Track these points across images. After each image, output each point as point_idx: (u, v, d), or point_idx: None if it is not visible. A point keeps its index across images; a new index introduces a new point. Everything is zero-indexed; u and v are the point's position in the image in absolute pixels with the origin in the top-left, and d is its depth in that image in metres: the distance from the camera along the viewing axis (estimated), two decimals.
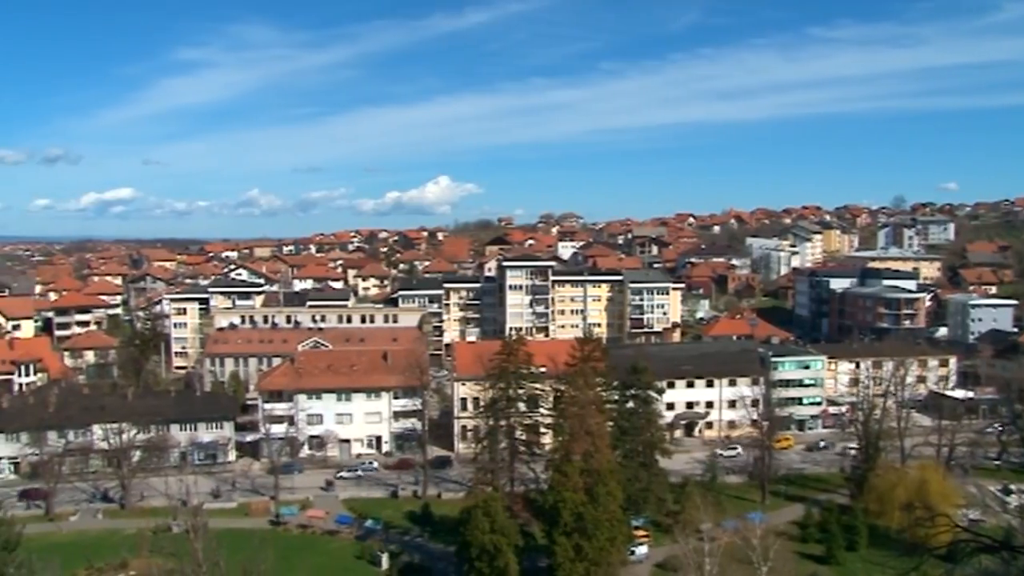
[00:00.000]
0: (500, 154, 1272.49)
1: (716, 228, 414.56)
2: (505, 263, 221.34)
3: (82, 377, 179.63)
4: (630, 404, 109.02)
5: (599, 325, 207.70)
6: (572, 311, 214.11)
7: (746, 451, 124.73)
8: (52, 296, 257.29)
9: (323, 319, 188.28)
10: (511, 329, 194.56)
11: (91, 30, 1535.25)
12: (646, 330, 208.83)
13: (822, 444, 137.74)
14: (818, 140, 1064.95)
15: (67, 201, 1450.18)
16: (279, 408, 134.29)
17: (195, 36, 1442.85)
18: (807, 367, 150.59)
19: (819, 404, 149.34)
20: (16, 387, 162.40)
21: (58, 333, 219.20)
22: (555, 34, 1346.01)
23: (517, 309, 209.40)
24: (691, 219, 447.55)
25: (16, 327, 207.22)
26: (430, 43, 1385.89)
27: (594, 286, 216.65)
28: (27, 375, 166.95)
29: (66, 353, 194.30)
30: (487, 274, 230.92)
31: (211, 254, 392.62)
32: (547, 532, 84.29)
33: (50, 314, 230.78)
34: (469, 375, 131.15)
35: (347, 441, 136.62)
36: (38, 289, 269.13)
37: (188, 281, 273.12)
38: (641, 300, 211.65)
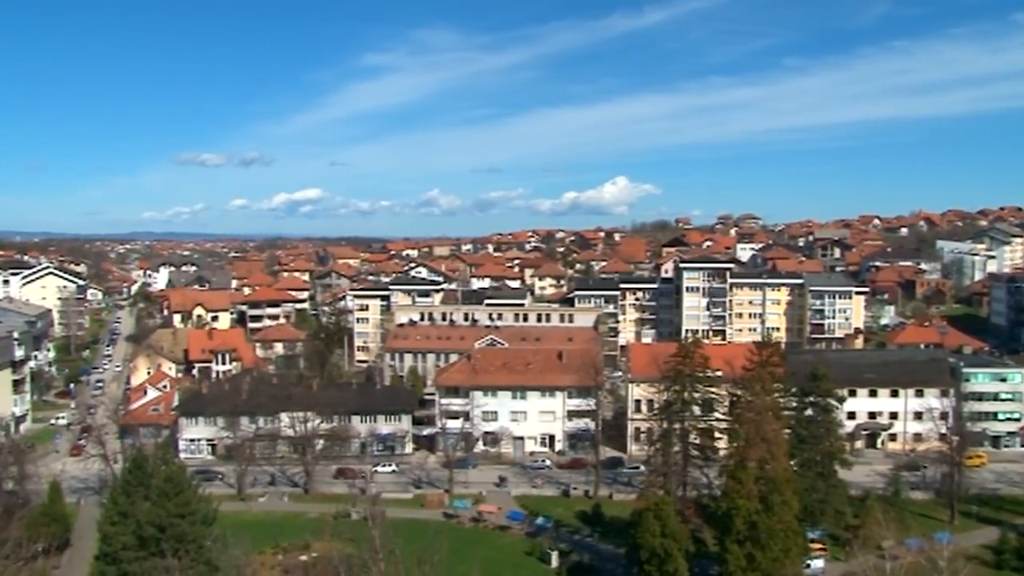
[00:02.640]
0: (678, 154, 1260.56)
1: (903, 230, 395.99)
2: (682, 264, 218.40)
3: (272, 367, 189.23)
4: (809, 412, 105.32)
5: (778, 330, 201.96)
6: (750, 315, 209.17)
7: (933, 467, 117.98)
8: (246, 290, 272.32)
9: (500, 317, 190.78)
10: (687, 331, 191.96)
11: (285, 40, 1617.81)
12: (827, 336, 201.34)
13: None
14: (1020, 136, 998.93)
15: (260, 201, 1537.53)
16: (455, 404, 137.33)
17: (381, 42, 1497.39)
18: (1004, 380, 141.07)
19: (1017, 420, 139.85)
20: (214, 374, 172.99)
21: (251, 325, 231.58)
22: (736, 31, 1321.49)
23: (694, 311, 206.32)
24: (876, 221, 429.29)
25: (215, 318, 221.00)
26: (608, 43, 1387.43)
27: (773, 289, 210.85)
28: (223, 363, 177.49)
29: (258, 344, 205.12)
30: (664, 275, 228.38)
31: (393, 252, 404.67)
32: (719, 539, 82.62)
33: (244, 307, 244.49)
34: (644, 376, 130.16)
35: (521, 438, 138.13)
36: (234, 284, 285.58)
37: (370, 278, 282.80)
38: (822, 305, 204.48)
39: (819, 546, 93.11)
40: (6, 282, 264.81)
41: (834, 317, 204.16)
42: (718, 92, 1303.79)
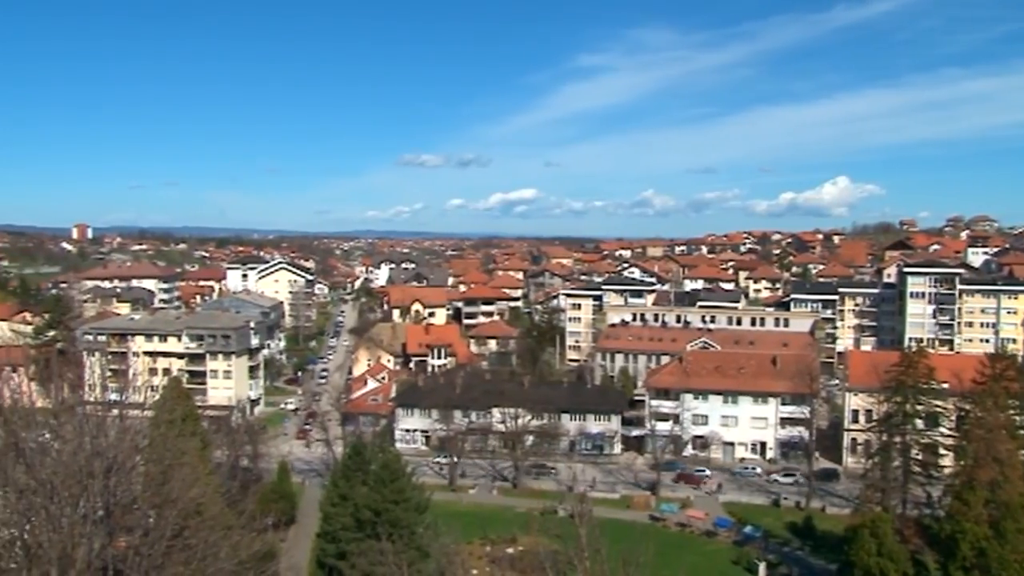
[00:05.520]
0: (904, 152, 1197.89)
1: None
2: (906, 269, 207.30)
3: (485, 363, 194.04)
4: None
5: (1014, 341, 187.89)
6: (982, 324, 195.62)
7: None
8: (462, 288, 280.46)
9: (712, 320, 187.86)
10: (910, 340, 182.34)
11: (502, 43, 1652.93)
12: None
13: None
14: None
15: (477, 201, 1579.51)
16: (665, 406, 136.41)
17: (596, 43, 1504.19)
18: None
19: None
20: (429, 368, 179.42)
21: (466, 321, 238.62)
22: (971, 17, 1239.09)
23: (918, 319, 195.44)
24: None
25: (431, 314, 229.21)
26: (831, 37, 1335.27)
27: (1009, 297, 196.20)
28: (439, 358, 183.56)
29: (472, 340, 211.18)
30: (886, 280, 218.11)
31: (605, 252, 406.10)
32: (941, 564, 77.96)
33: (460, 304, 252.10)
34: (863, 386, 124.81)
35: (731, 444, 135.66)
36: (450, 281, 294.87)
37: (583, 278, 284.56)
38: None
39: None
40: (244, 276, 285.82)
41: None
42: (950, 85, 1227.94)
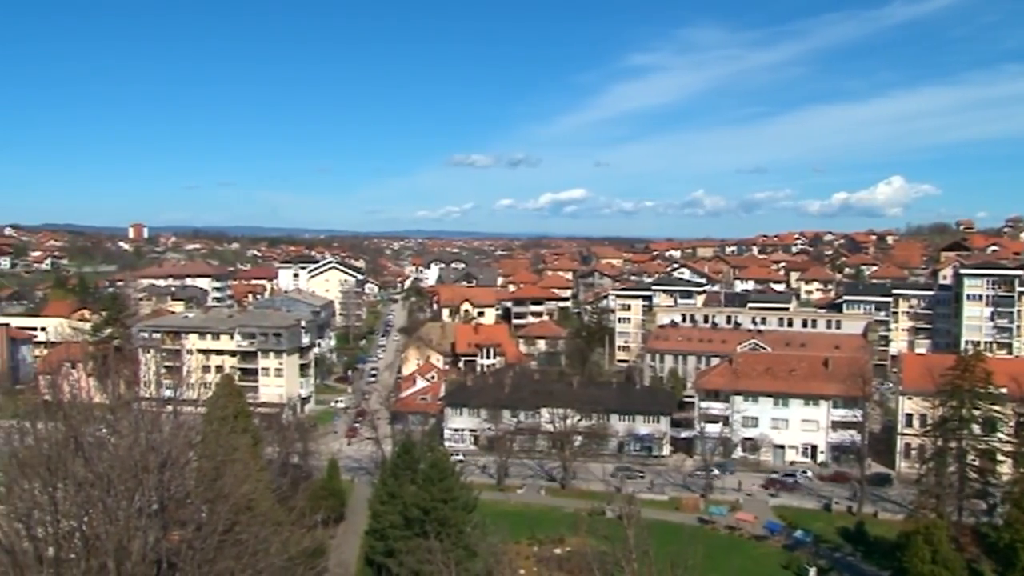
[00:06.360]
0: (962, 151, 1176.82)
1: None
2: (963, 271, 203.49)
3: (534, 363, 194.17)
4: None
5: None
6: None
7: None
8: (511, 288, 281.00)
9: (763, 321, 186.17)
10: (967, 343, 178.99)
11: (552, 43, 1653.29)
12: None
13: None
14: None
15: (526, 201, 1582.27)
16: (715, 407, 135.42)
17: (646, 42, 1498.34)
18: None
19: None
20: (479, 367, 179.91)
21: (515, 321, 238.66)
22: None
23: (975, 322, 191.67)
24: None
25: (481, 314, 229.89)
26: (886, 34, 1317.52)
27: None
28: (488, 357, 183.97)
29: (521, 340, 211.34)
30: (941, 282, 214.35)
31: (655, 253, 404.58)
32: (999, 574, 76.77)
33: (509, 304, 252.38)
34: (917, 389, 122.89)
35: (781, 447, 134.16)
36: (500, 281, 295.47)
37: (633, 278, 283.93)
38: None
39: None
40: (296, 275, 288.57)
41: None
42: (1010, 81, 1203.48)
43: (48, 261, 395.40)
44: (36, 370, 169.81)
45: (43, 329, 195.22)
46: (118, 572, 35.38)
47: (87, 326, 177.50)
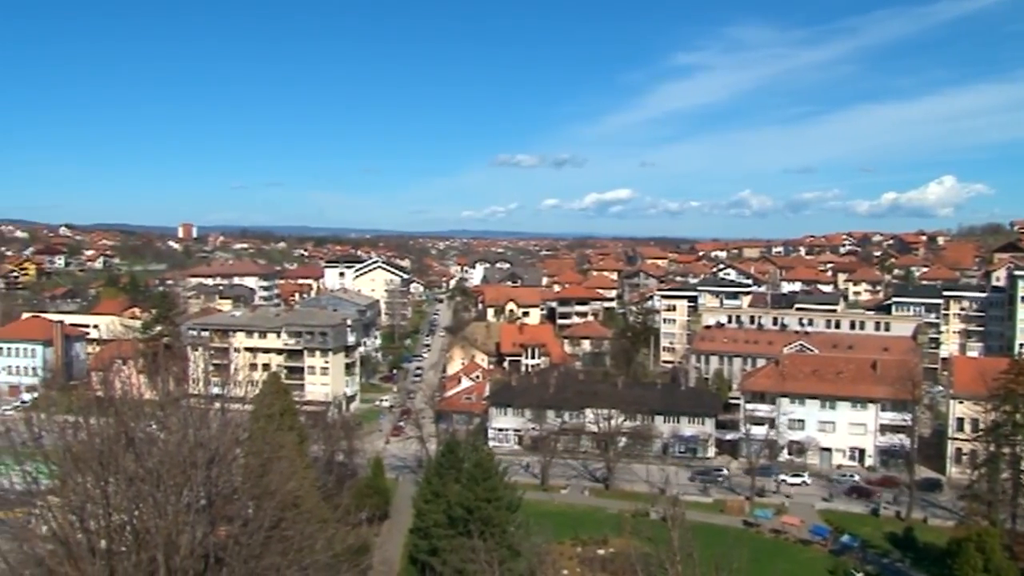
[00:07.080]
0: (1016, 150, 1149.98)
1: None
2: (1017, 272, 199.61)
3: (579, 363, 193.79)
4: None
5: None
6: None
7: None
8: (556, 288, 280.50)
9: (810, 323, 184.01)
10: (1021, 347, 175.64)
11: (598, 43, 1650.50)
12: None
13: None
14: None
15: (571, 201, 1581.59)
16: (761, 409, 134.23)
17: (693, 41, 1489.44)
18: None
19: None
20: (523, 367, 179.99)
21: (560, 321, 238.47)
22: None
23: None
24: None
25: (526, 314, 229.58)
26: (936, 30, 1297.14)
27: None
28: (533, 357, 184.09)
29: (566, 340, 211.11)
30: (994, 284, 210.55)
31: (701, 253, 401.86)
32: None
33: (554, 304, 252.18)
34: (968, 393, 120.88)
35: (828, 450, 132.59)
36: (544, 281, 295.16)
37: (678, 279, 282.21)
38: None
39: None
40: (341, 274, 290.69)
41: None
42: None
43: (100, 260, 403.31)
44: (89, 366, 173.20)
45: (95, 327, 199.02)
46: (167, 566, 35.95)
47: (138, 324, 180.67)
